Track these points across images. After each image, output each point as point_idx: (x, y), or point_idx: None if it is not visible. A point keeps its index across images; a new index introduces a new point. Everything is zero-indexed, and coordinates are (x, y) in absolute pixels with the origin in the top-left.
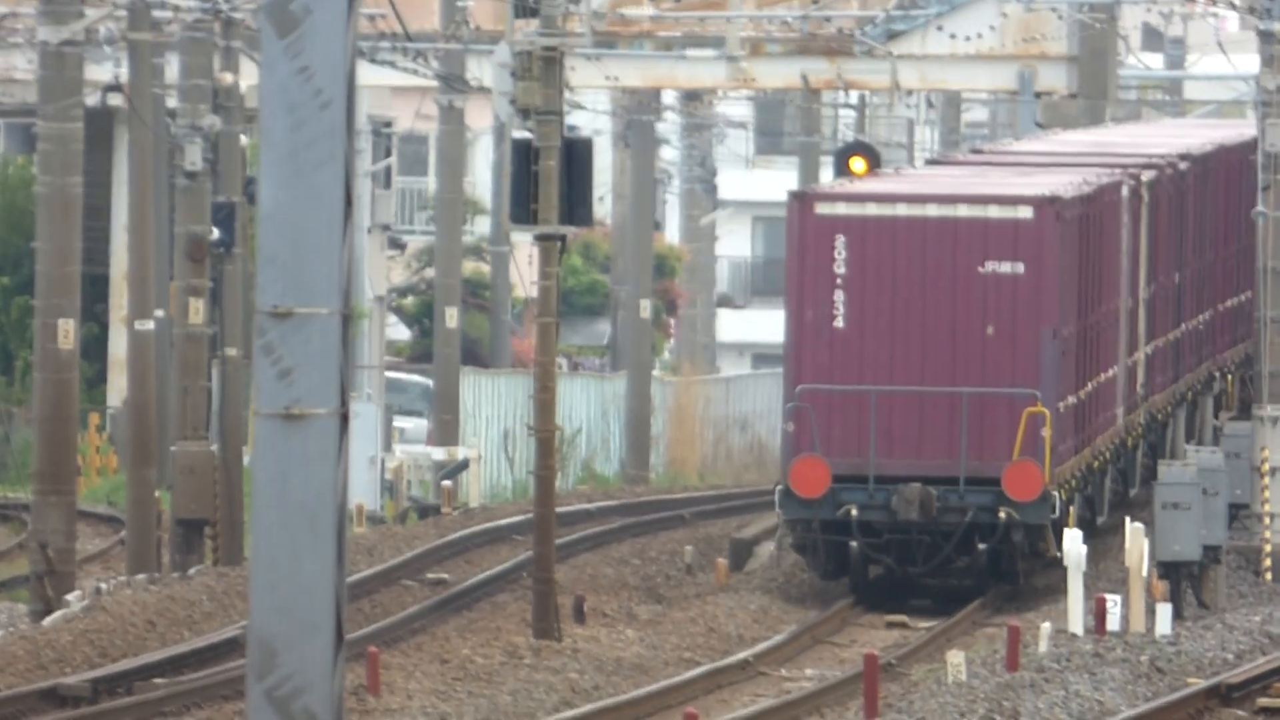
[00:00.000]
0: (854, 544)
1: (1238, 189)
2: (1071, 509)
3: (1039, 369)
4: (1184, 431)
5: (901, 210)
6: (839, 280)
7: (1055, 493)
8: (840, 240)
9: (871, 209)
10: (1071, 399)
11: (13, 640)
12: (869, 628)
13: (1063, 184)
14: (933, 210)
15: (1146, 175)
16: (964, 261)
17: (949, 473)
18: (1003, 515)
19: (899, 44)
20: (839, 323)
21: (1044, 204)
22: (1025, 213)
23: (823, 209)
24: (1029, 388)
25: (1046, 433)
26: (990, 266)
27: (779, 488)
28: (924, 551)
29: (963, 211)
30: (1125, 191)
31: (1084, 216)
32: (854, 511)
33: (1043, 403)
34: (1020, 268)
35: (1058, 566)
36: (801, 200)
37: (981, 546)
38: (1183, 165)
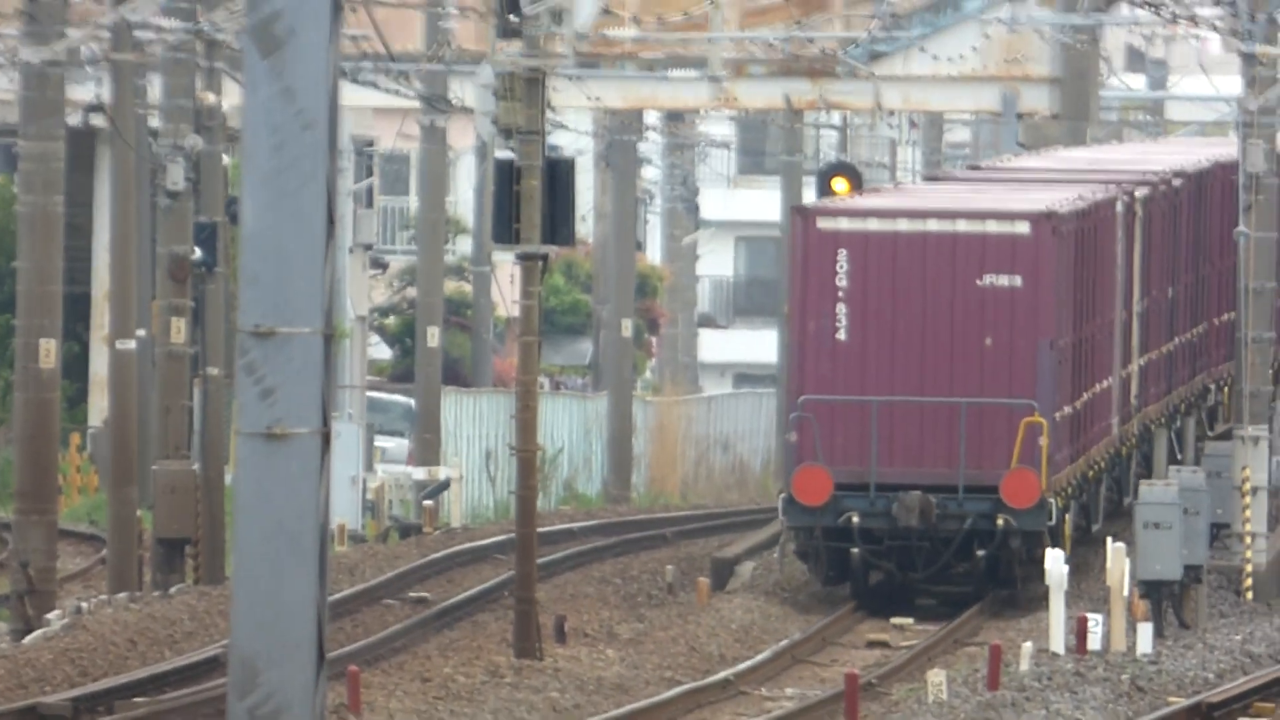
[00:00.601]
0: (855, 550)
1: (1232, 205)
2: (1068, 516)
3: (1036, 380)
4: (1175, 444)
5: (902, 225)
6: (841, 293)
7: (1052, 500)
8: (842, 254)
9: (873, 224)
10: (1068, 409)
11: None
12: (849, 647)
13: (1059, 200)
14: (933, 225)
15: (1140, 192)
16: (963, 275)
17: (948, 481)
18: (1001, 522)
19: (881, 65)
20: (841, 335)
21: (1041, 219)
22: (1023, 228)
23: (825, 224)
24: (1026, 398)
25: (1044, 442)
26: (988, 280)
27: (782, 495)
28: (924, 557)
29: (962, 226)
30: (1120, 207)
31: (1079, 231)
32: (855, 518)
33: (1040, 412)
34: (1018, 281)
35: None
36: (804, 215)
37: (980, 553)
38: (1176, 182)
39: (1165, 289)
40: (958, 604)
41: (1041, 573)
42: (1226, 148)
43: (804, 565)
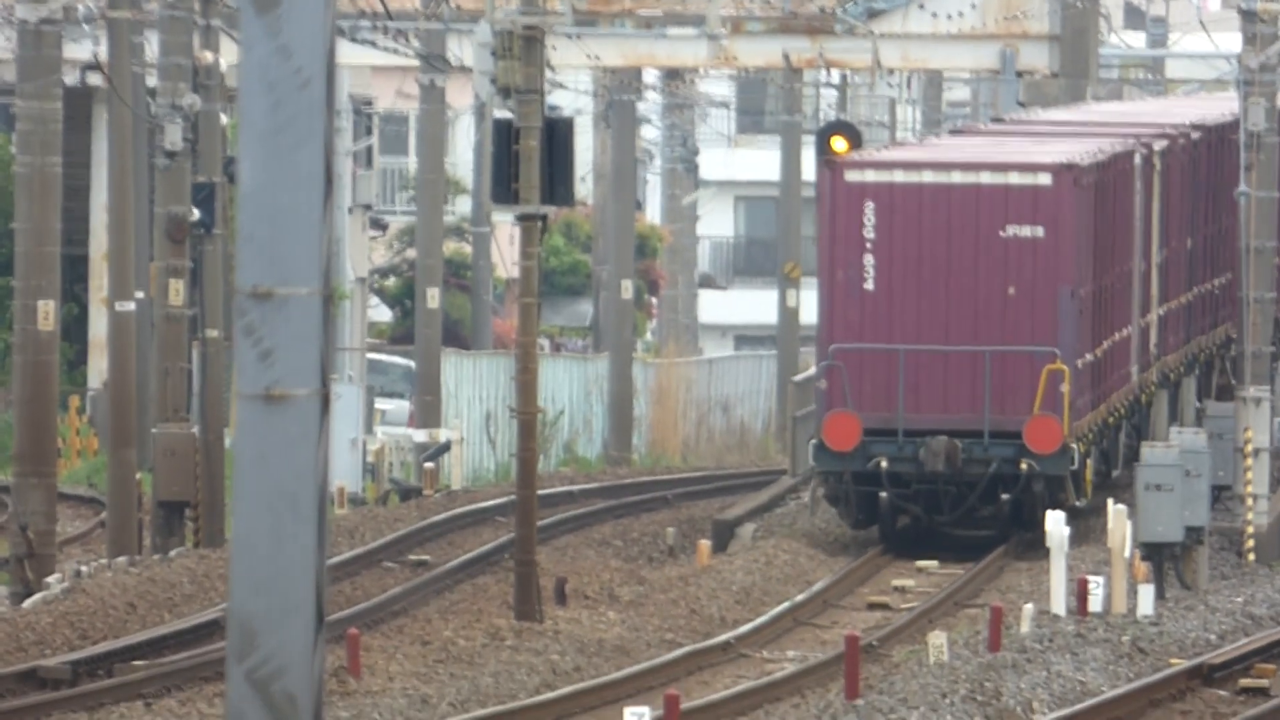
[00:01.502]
0: (883, 494)
1: None
2: (1089, 461)
3: (1058, 328)
4: (1196, 394)
5: (927, 177)
6: (868, 244)
7: (1074, 445)
8: (869, 206)
9: (899, 176)
10: (1089, 356)
11: None
12: (850, 609)
13: (1079, 152)
14: (957, 177)
15: (1159, 144)
16: (986, 226)
17: (973, 426)
18: (1024, 467)
19: (880, 23)
20: (868, 285)
21: (1062, 171)
22: (1044, 179)
23: (852, 176)
24: (1048, 346)
25: (1065, 388)
26: (1011, 230)
27: (813, 441)
28: (950, 501)
29: (985, 178)
30: (1138, 159)
31: (1099, 183)
32: (884, 463)
33: (1062, 360)
34: (1040, 231)
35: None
36: (832, 167)
37: (1004, 496)
38: (1195, 135)
39: (1184, 240)
40: (982, 547)
41: (1064, 515)
42: None
43: (832, 510)
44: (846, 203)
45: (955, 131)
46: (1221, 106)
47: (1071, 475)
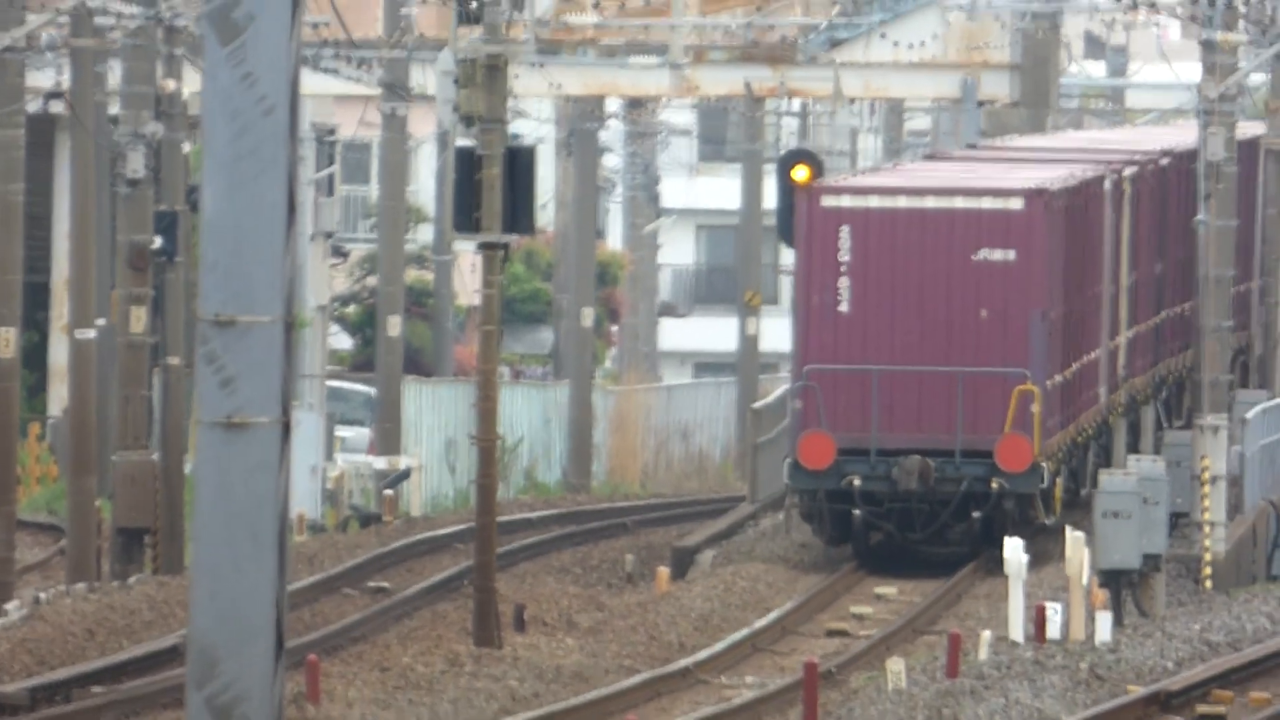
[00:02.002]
0: (857, 512)
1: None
2: (1059, 480)
3: (1029, 349)
4: (1163, 416)
5: (902, 202)
6: (843, 267)
7: (1044, 464)
8: (845, 230)
9: (874, 201)
10: (1059, 378)
11: None
12: (809, 636)
13: (1050, 178)
14: (930, 202)
15: (1129, 170)
16: (959, 249)
17: (946, 446)
18: (995, 485)
19: (842, 51)
20: (843, 307)
21: (1033, 196)
22: (1016, 204)
23: (829, 201)
24: (1019, 367)
25: (1036, 409)
26: (984, 254)
27: (787, 460)
28: (922, 519)
29: (958, 203)
30: (1108, 185)
31: (1069, 207)
32: (857, 482)
33: (1032, 381)
34: (1011, 255)
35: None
36: (809, 192)
37: (976, 514)
38: (1164, 161)
39: (1154, 264)
40: (954, 564)
41: (1033, 533)
42: None
43: (808, 527)
44: (823, 227)
45: (930, 157)
46: (1193, 134)
47: (1041, 493)
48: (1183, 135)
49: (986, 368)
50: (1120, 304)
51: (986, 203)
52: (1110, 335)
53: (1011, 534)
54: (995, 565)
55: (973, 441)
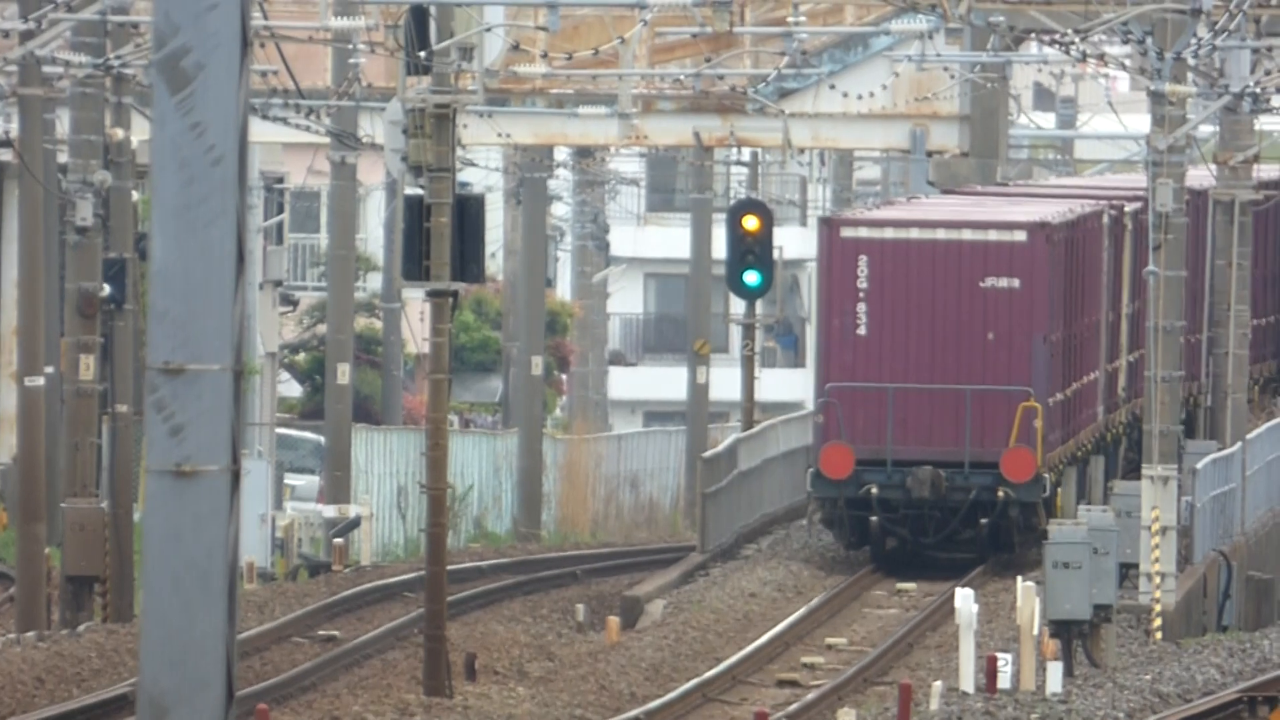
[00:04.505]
0: (874, 519)
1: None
2: (1060, 490)
3: (1032, 369)
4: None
5: (915, 234)
6: (861, 294)
7: (1046, 475)
8: (863, 259)
9: (889, 233)
10: (1059, 395)
11: None
12: (759, 686)
13: (1052, 212)
14: (941, 234)
15: (1130, 206)
16: (967, 277)
17: (955, 458)
18: (1001, 494)
19: (791, 102)
20: (861, 330)
21: (1035, 229)
22: (1020, 236)
23: (847, 233)
24: (1023, 385)
25: (1038, 424)
26: (990, 282)
27: (810, 470)
28: (934, 525)
29: (967, 235)
30: (1106, 219)
31: (1069, 240)
32: (874, 490)
33: (1035, 398)
34: (1016, 283)
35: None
36: (830, 225)
37: (983, 521)
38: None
39: None
40: (963, 567)
41: (1036, 540)
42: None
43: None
44: (842, 257)
45: (948, 191)
46: (1198, 177)
47: (1044, 501)
48: (1193, 176)
49: (993, 386)
50: (1120, 330)
51: (993, 235)
52: (1109, 359)
53: (1017, 540)
54: (1002, 569)
55: (980, 454)
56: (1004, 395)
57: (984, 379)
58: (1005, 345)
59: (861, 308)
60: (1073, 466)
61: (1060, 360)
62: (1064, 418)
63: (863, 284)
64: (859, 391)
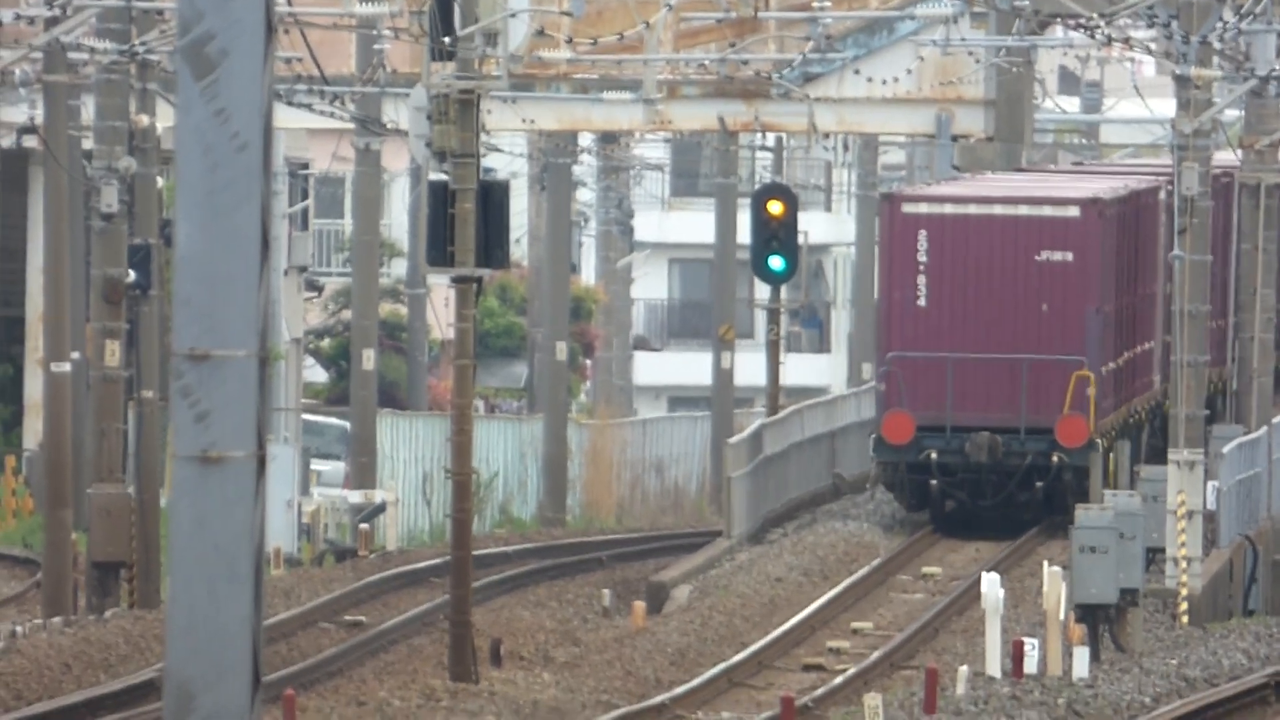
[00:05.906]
0: (933, 482)
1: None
2: (1112, 455)
3: (1085, 339)
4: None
5: (973, 210)
6: (921, 267)
7: (1099, 441)
8: (923, 234)
9: (948, 209)
10: (1112, 365)
11: None
12: (785, 670)
13: (1105, 188)
14: (998, 210)
15: None
16: (1023, 251)
17: (1012, 424)
18: (1055, 459)
19: (816, 87)
20: (921, 302)
21: (1088, 204)
22: (1073, 211)
23: (908, 208)
24: (1077, 355)
25: (1091, 391)
26: (1045, 255)
27: (873, 436)
28: (991, 488)
29: (1022, 211)
30: (1163, 195)
31: (1121, 215)
32: (934, 455)
33: (1088, 367)
34: (1069, 256)
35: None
36: (891, 201)
37: (1038, 485)
38: (1225, 179)
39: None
40: (1019, 528)
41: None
42: None
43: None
44: (903, 231)
45: (1017, 169)
46: (1228, 160)
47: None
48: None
49: (1047, 355)
50: None
51: (1047, 210)
52: (1165, 329)
53: (1070, 502)
54: (1056, 530)
55: (1036, 420)
56: (1058, 364)
57: (1039, 349)
58: (1059, 316)
59: (921, 280)
60: (1125, 434)
61: (1113, 331)
62: (1117, 386)
63: (922, 258)
64: (919, 361)
